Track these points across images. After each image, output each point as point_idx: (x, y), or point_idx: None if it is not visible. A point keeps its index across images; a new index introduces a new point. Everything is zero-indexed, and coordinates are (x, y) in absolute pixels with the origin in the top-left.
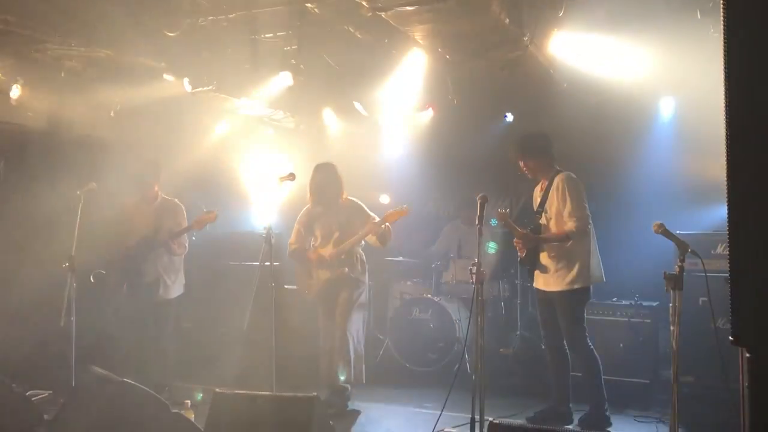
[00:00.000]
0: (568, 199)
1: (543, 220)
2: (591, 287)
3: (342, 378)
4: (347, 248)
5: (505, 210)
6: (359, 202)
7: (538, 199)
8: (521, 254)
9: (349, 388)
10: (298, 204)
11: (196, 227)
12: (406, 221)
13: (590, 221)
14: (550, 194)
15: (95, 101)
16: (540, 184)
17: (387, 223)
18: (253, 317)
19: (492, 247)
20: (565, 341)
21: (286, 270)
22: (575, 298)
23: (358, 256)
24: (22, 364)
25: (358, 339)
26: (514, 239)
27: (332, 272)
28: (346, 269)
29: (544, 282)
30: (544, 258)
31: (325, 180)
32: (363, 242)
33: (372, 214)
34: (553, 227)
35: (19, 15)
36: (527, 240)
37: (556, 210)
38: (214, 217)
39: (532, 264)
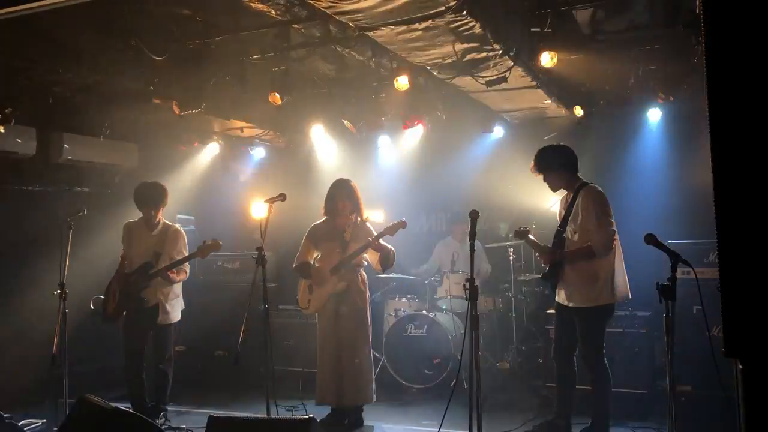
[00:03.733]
0: (593, 213)
1: (567, 234)
2: (615, 304)
3: (365, 397)
4: (349, 260)
5: (524, 228)
6: (371, 228)
7: (563, 212)
8: (545, 268)
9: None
10: (290, 224)
11: (200, 255)
12: (398, 237)
13: (616, 237)
14: (575, 208)
15: (84, 127)
16: (565, 196)
17: (384, 237)
18: (246, 339)
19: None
20: (582, 357)
21: (279, 291)
22: (599, 314)
23: (361, 276)
24: (15, 392)
25: (368, 357)
26: (537, 254)
27: (335, 288)
28: (357, 282)
29: (567, 296)
30: (568, 272)
31: (342, 196)
32: (366, 263)
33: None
34: (578, 241)
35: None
36: (552, 255)
37: (582, 224)
38: (219, 246)
39: (554, 278)
